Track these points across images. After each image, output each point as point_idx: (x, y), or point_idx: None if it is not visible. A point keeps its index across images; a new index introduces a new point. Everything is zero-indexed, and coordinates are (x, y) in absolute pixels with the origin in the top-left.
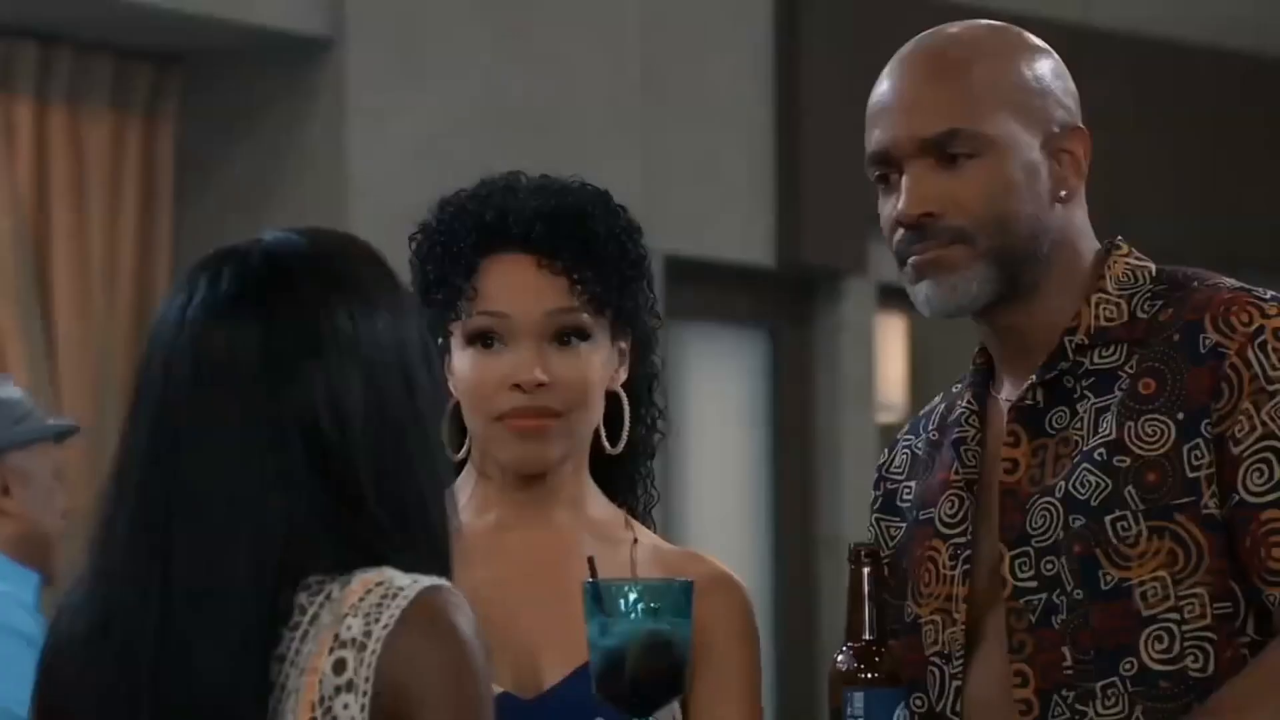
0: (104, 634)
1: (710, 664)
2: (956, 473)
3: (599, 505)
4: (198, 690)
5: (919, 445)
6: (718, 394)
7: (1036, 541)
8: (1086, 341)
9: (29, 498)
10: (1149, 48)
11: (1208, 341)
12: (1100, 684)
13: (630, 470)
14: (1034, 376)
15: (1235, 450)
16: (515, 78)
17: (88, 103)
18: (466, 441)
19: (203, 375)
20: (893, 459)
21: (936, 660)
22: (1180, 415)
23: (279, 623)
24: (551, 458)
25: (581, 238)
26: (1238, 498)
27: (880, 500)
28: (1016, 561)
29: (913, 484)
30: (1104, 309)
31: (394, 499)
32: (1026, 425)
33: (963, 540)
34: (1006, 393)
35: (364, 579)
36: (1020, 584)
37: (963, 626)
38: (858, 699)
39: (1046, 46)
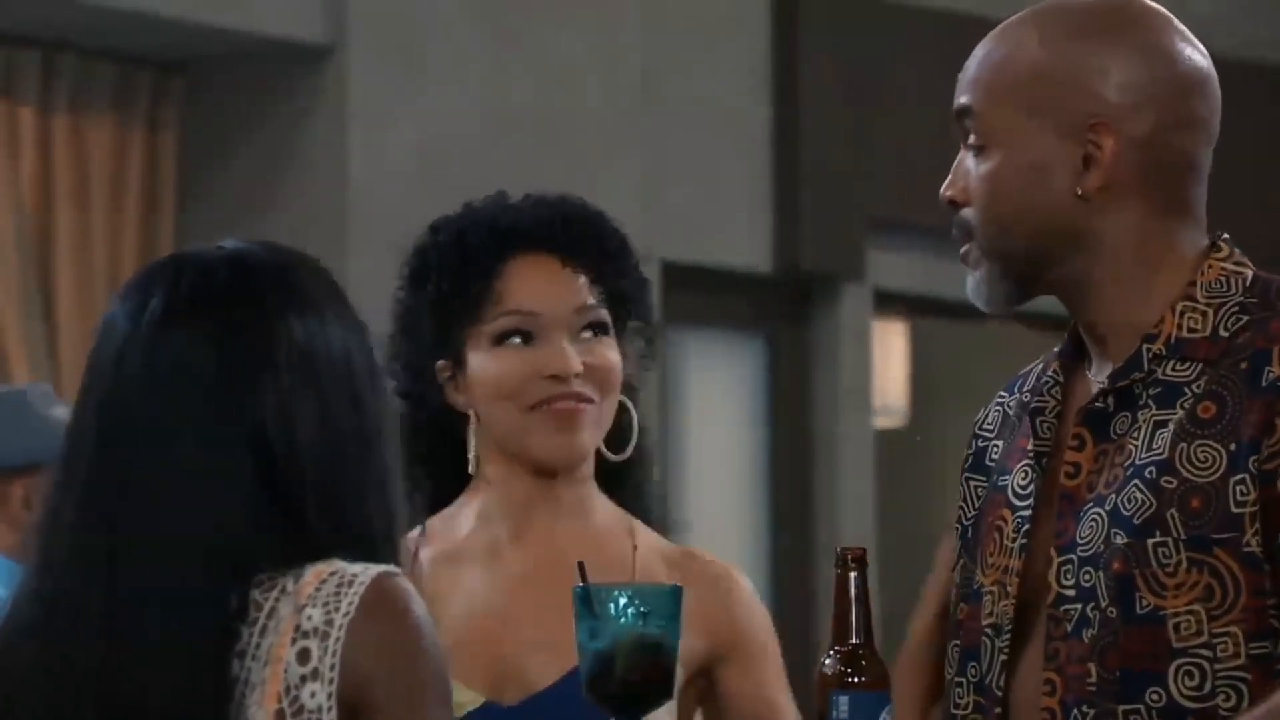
0: (47, 627)
1: (741, 658)
2: (1031, 443)
3: (603, 512)
4: (149, 690)
5: (1011, 404)
6: (716, 399)
7: (1081, 550)
8: (1164, 352)
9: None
10: None
11: (1270, 375)
12: (1122, 707)
13: (638, 477)
14: (1106, 382)
15: None
16: (515, 83)
17: (90, 109)
18: (471, 458)
19: (157, 374)
20: (986, 415)
21: (989, 631)
22: (1233, 446)
23: (237, 620)
24: (585, 449)
25: (598, 238)
26: None
27: (971, 459)
28: (1063, 569)
29: (1000, 443)
30: (1189, 318)
31: (335, 512)
32: (1093, 430)
33: (1027, 514)
34: (1094, 372)
35: (315, 570)
36: (1063, 591)
37: (1014, 600)
38: (843, 702)
39: (1133, 28)
